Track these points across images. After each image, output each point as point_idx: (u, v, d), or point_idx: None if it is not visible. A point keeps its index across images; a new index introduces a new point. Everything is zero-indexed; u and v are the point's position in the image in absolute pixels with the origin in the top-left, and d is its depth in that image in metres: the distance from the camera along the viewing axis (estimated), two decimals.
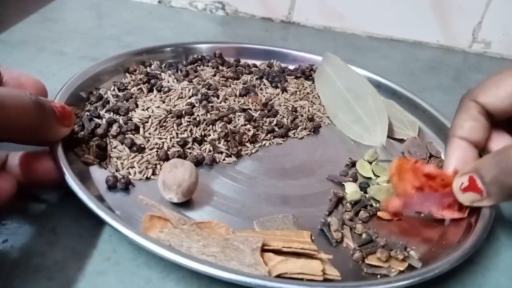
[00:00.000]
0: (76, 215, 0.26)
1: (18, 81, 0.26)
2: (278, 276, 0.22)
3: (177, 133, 0.32)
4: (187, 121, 0.33)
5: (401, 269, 0.25)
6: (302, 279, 0.22)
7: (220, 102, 0.36)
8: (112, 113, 0.32)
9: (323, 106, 0.40)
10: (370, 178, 0.33)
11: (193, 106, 0.34)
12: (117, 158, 0.29)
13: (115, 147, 0.30)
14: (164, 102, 0.34)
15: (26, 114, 0.22)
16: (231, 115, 0.34)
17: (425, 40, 0.59)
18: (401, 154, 0.36)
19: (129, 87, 0.36)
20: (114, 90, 0.36)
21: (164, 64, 0.41)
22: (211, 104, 0.35)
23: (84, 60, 0.43)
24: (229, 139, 0.32)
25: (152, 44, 0.43)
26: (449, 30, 0.58)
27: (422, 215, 0.29)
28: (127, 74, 0.38)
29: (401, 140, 0.37)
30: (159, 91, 0.35)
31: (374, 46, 0.57)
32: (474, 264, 0.26)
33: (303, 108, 0.39)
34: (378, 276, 0.25)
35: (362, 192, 0.31)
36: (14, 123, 0.21)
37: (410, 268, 0.25)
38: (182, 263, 0.21)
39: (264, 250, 0.23)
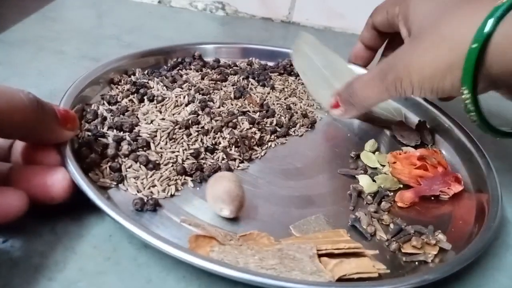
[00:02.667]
0: (75, 215, 0.25)
1: None
2: (339, 279, 0.22)
3: (188, 145, 0.31)
4: (196, 131, 0.32)
5: (435, 253, 0.26)
6: (364, 279, 0.23)
7: (219, 107, 0.35)
8: (115, 130, 0.31)
9: (308, 90, 0.41)
10: (376, 168, 0.34)
11: (198, 115, 0.33)
12: (135, 178, 0.28)
13: (129, 167, 0.28)
14: (161, 112, 0.33)
15: (19, 111, 0.21)
16: (234, 120, 0.34)
17: None
18: (393, 138, 0.37)
19: (119, 99, 0.34)
20: (104, 104, 0.34)
21: (146, 71, 0.39)
22: (212, 110, 0.34)
23: (84, 59, 0.43)
24: (239, 144, 0.32)
25: (152, 44, 0.43)
26: None
27: (432, 198, 0.31)
28: (112, 86, 0.37)
29: (389, 128, 0.39)
30: (151, 100, 0.34)
31: None
32: (474, 264, 0.26)
33: (296, 105, 0.40)
34: (416, 263, 0.26)
35: (375, 182, 0.32)
36: (6, 119, 0.21)
37: (441, 250, 0.26)
38: (263, 282, 0.21)
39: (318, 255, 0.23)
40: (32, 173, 0.24)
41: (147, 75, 0.39)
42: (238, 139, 0.32)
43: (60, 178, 0.24)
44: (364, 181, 0.32)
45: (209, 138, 0.32)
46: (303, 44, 0.43)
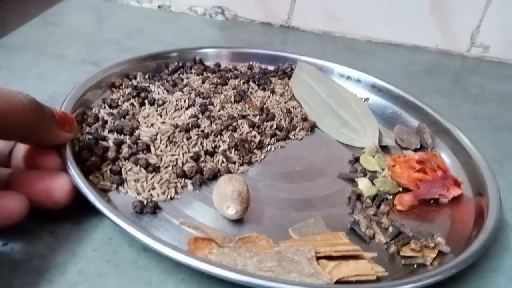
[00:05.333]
0: (76, 218, 0.26)
1: None
2: (337, 281, 0.22)
3: (188, 148, 0.31)
4: (196, 134, 0.32)
5: (434, 256, 0.26)
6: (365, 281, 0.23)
7: (219, 111, 0.36)
8: (116, 133, 0.31)
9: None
10: (376, 171, 0.34)
11: (198, 118, 0.34)
12: (135, 180, 0.28)
13: (130, 170, 0.29)
14: (161, 116, 0.33)
15: (18, 112, 0.21)
16: (234, 123, 0.34)
17: (424, 44, 0.59)
18: (394, 143, 0.37)
19: (120, 103, 0.35)
20: (105, 107, 0.34)
21: (147, 75, 0.39)
22: (212, 114, 0.34)
23: (84, 63, 0.43)
24: (239, 148, 0.32)
25: (152, 49, 0.43)
26: (447, 34, 0.58)
27: (432, 201, 0.31)
28: (114, 89, 0.37)
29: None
30: (152, 104, 0.35)
31: (373, 50, 0.57)
32: (473, 266, 0.26)
33: (295, 109, 0.40)
34: (415, 265, 0.26)
35: (374, 185, 0.32)
36: (5, 120, 0.21)
37: (439, 253, 0.26)
38: (260, 285, 0.21)
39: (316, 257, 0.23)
40: (34, 178, 0.24)
41: (148, 79, 0.39)
42: (238, 143, 0.32)
43: (63, 183, 0.24)
44: (363, 184, 0.32)
45: (209, 141, 0.32)
46: (303, 74, 0.42)
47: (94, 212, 0.24)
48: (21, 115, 0.22)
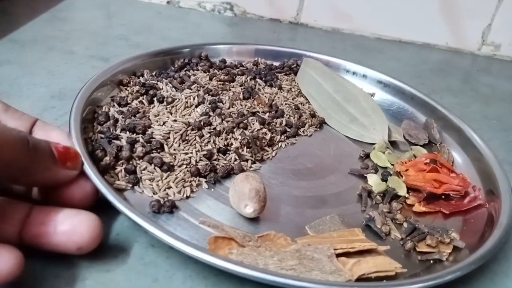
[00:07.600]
0: None
1: (46, 134, 0.25)
2: (357, 278, 0.22)
3: (200, 146, 0.31)
4: (208, 132, 0.32)
5: (449, 251, 0.26)
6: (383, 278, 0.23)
7: (229, 108, 0.35)
8: (128, 132, 0.30)
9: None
10: (387, 167, 0.34)
11: (209, 116, 0.33)
12: (150, 180, 0.28)
13: (144, 169, 0.28)
14: (171, 114, 0.33)
15: (9, 145, 0.19)
16: (245, 120, 0.34)
17: (434, 42, 0.59)
18: (403, 138, 0.37)
19: (129, 101, 0.34)
20: (114, 106, 0.34)
21: (154, 72, 0.39)
22: (223, 111, 0.34)
23: (93, 59, 0.43)
24: (251, 145, 0.32)
25: (161, 45, 0.43)
26: (458, 32, 0.58)
27: (443, 197, 0.31)
28: (121, 87, 0.36)
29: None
30: (161, 102, 0.34)
31: (383, 48, 0.57)
32: (483, 268, 0.26)
33: (303, 105, 0.40)
34: (431, 261, 0.26)
35: (385, 182, 0.32)
36: None
37: (455, 249, 0.27)
38: (286, 283, 0.21)
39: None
40: (55, 217, 0.22)
41: (155, 76, 0.39)
42: (250, 140, 0.32)
43: (90, 224, 0.22)
44: (372, 181, 0.32)
45: (221, 139, 0.32)
46: (309, 69, 0.42)
47: (101, 208, 0.24)
48: (11, 149, 0.19)
